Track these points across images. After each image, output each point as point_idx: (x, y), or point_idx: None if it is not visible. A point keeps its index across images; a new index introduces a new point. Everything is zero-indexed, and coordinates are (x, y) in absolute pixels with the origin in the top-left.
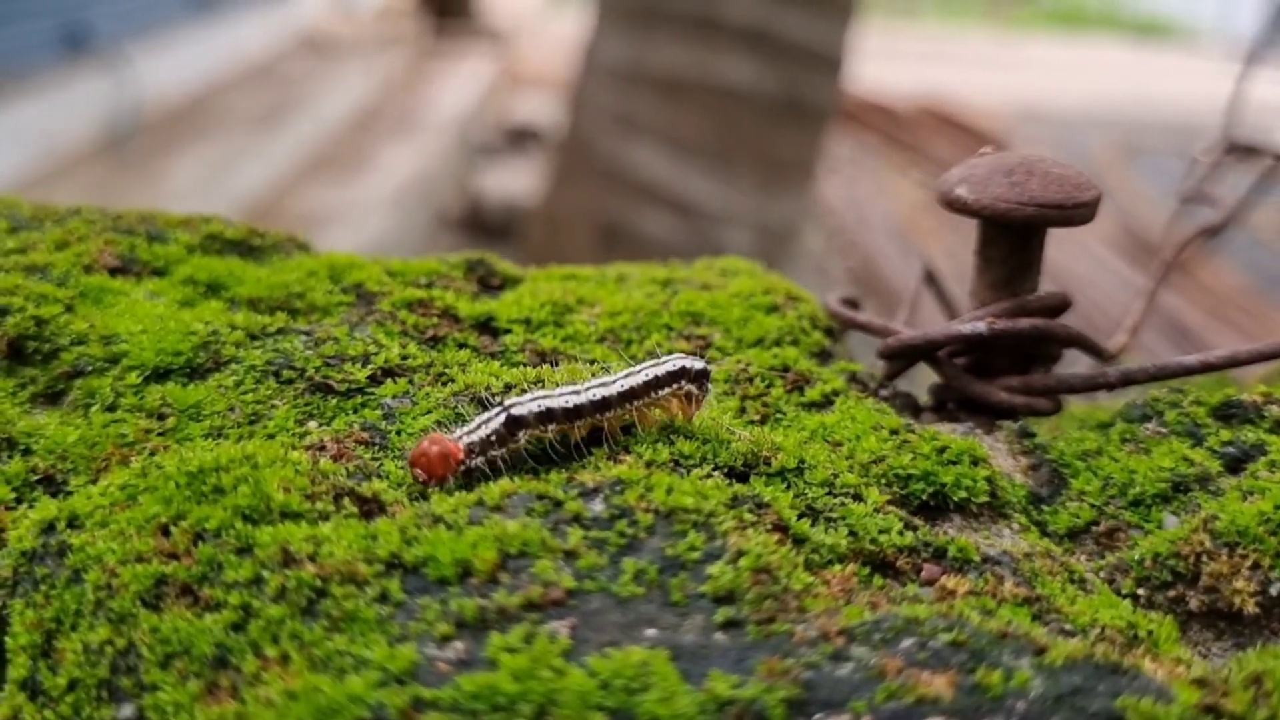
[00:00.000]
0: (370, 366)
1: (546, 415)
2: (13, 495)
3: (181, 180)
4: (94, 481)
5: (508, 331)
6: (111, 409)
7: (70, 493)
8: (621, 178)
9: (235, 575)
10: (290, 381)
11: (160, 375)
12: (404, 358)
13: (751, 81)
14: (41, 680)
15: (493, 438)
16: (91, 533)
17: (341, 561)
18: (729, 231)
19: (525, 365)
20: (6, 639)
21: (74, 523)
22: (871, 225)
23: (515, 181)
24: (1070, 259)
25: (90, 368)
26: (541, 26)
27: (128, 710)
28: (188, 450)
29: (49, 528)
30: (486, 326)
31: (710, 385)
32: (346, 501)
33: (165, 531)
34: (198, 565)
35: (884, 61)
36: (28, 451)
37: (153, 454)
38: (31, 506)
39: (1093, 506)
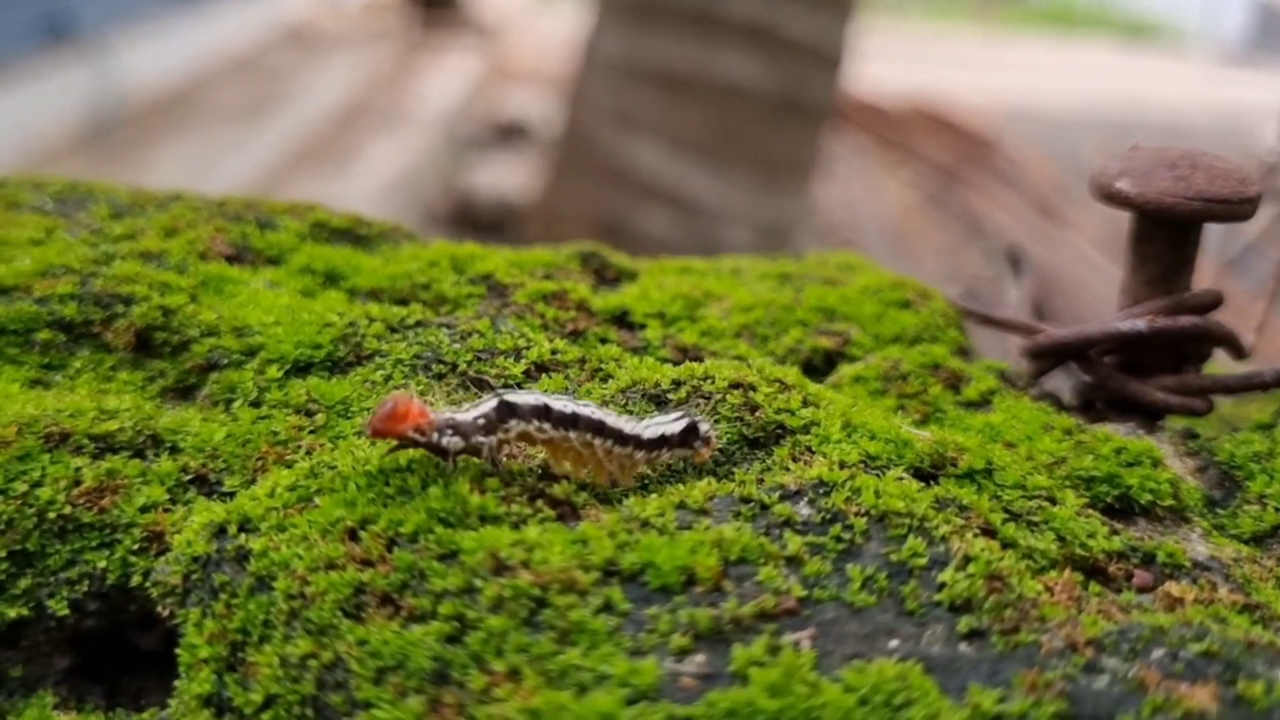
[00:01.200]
0: (524, 361)
1: (542, 412)
2: (167, 497)
3: (165, 173)
4: (252, 482)
5: (643, 326)
6: (256, 404)
7: (228, 494)
8: (620, 174)
9: (443, 584)
10: (442, 376)
11: (301, 369)
12: (554, 352)
13: (751, 78)
14: (231, 696)
15: (480, 421)
16: (270, 537)
17: (559, 569)
18: (728, 229)
19: (670, 361)
20: (179, 651)
21: (246, 526)
22: (862, 225)
23: (507, 177)
24: (1063, 260)
25: (225, 361)
26: (530, 21)
27: None
28: (359, 449)
29: (219, 532)
30: (622, 320)
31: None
32: (540, 504)
33: (353, 536)
34: (397, 573)
35: (872, 61)
36: (175, 450)
37: (309, 452)
38: (188, 508)
39: (1277, 510)
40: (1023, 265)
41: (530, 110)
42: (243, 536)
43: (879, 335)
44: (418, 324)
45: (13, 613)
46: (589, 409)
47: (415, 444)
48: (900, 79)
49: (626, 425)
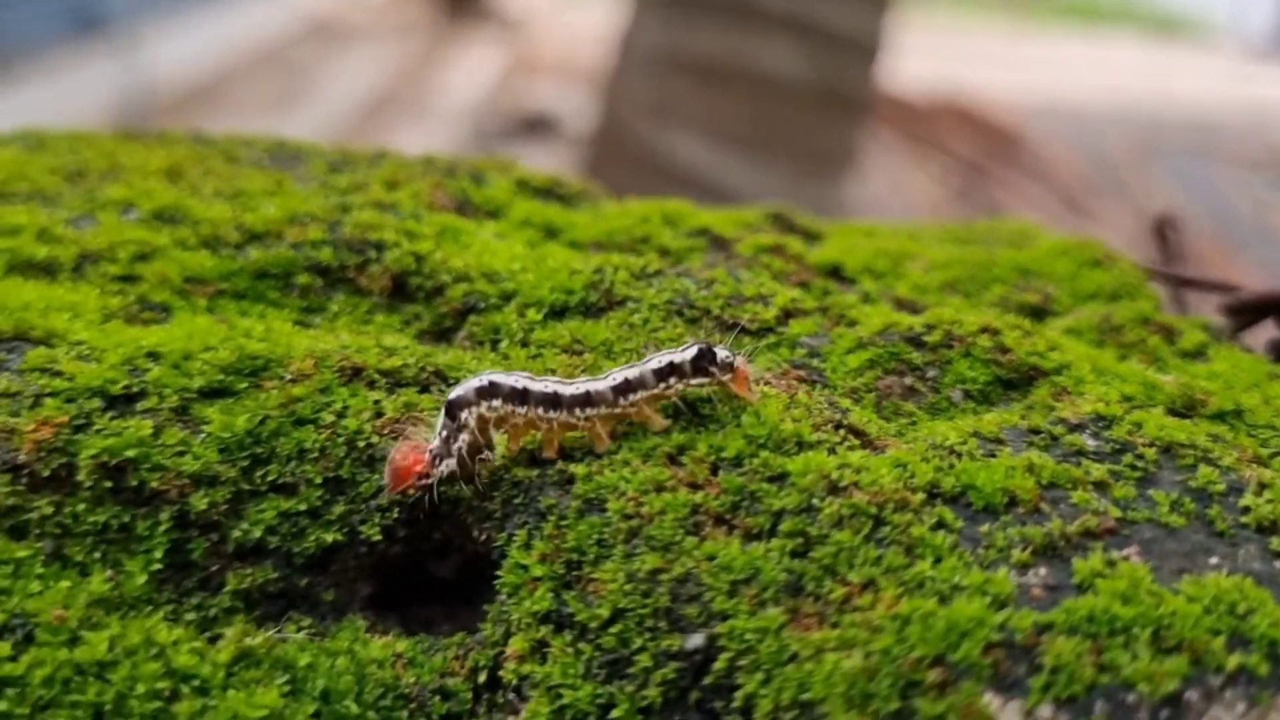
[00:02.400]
0: (773, 307)
1: (489, 391)
2: None
3: None
4: None
5: (853, 281)
6: (524, 344)
7: None
8: (657, 166)
9: (780, 503)
10: (696, 320)
11: (557, 312)
12: (793, 299)
13: (789, 70)
14: (572, 612)
15: (445, 435)
16: (588, 464)
17: (891, 489)
18: None
19: (895, 310)
20: (501, 574)
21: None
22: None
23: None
24: None
25: (483, 304)
26: (554, 14)
27: (697, 639)
28: None
29: (531, 457)
30: (836, 274)
31: (728, 359)
32: (843, 433)
33: (673, 460)
34: (727, 494)
35: (899, 55)
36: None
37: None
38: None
39: None
40: (1177, 229)
41: (556, 103)
42: (559, 463)
43: (1076, 292)
44: (657, 272)
45: (329, 537)
46: (534, 384)
47: (428, 484)
48: (927, 74)
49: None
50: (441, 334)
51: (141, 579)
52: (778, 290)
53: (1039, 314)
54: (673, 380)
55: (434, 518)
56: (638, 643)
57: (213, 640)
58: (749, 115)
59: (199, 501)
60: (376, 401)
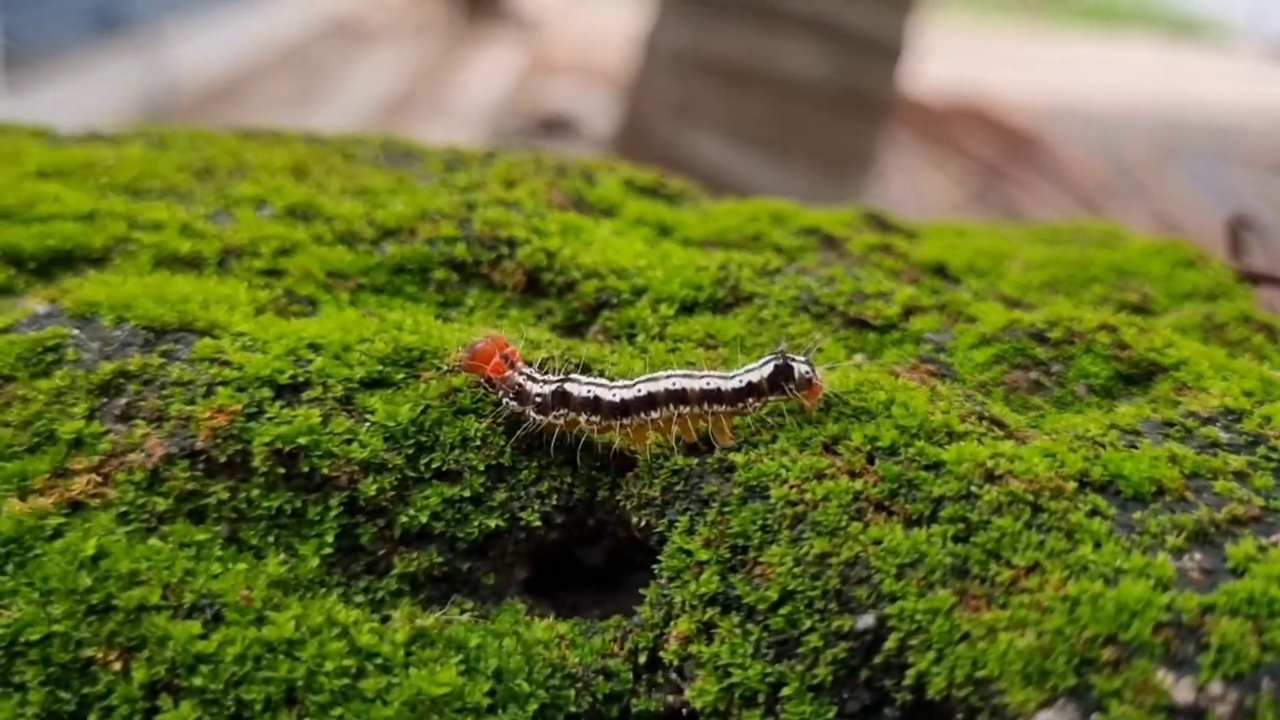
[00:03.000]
0: (894, 304)
1: (594, 404)
2: None
3: None
4: None
5: (958, 280)
6: (659, 338)
7: None
8: (681, 166)
9: (939, 490)
10: (822, 316)
11: (688, 308)
12: (911, 296)
13: (812, 71)
14: (740, 595)
15: (538, 399)
16: (746, 453)
17: (1045, 478)
18: None
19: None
20: (662, 559)
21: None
22: None
23: None
24: None
25: (615, 300)
26: (571, 15)
27: (867, 620)
28: None
29: (692, 446)
30: (941, 272)
31: (806, 373)
32: (986, 424)
33: (829, 449)
34: (885, 482)
35: (920, 57)
36: None
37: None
38: None
39: None
40: (1256, 229)
41: (573, 103)
42: (716, 451)
43: (1171, 292)
44: (777, 270)
45: (492, 522)
46: (636, 390)
47: (489, 389)
48: (944, 75)
49: (700, 383)
50: (574, 328)
51: (314, 562)
52: (896, 287)
53: (1139, 313)
54: (750, 400)
55: (590, 505)
56: (807, 623)
57: (383, 621)
58: (772, 116)
59: (368, 488)
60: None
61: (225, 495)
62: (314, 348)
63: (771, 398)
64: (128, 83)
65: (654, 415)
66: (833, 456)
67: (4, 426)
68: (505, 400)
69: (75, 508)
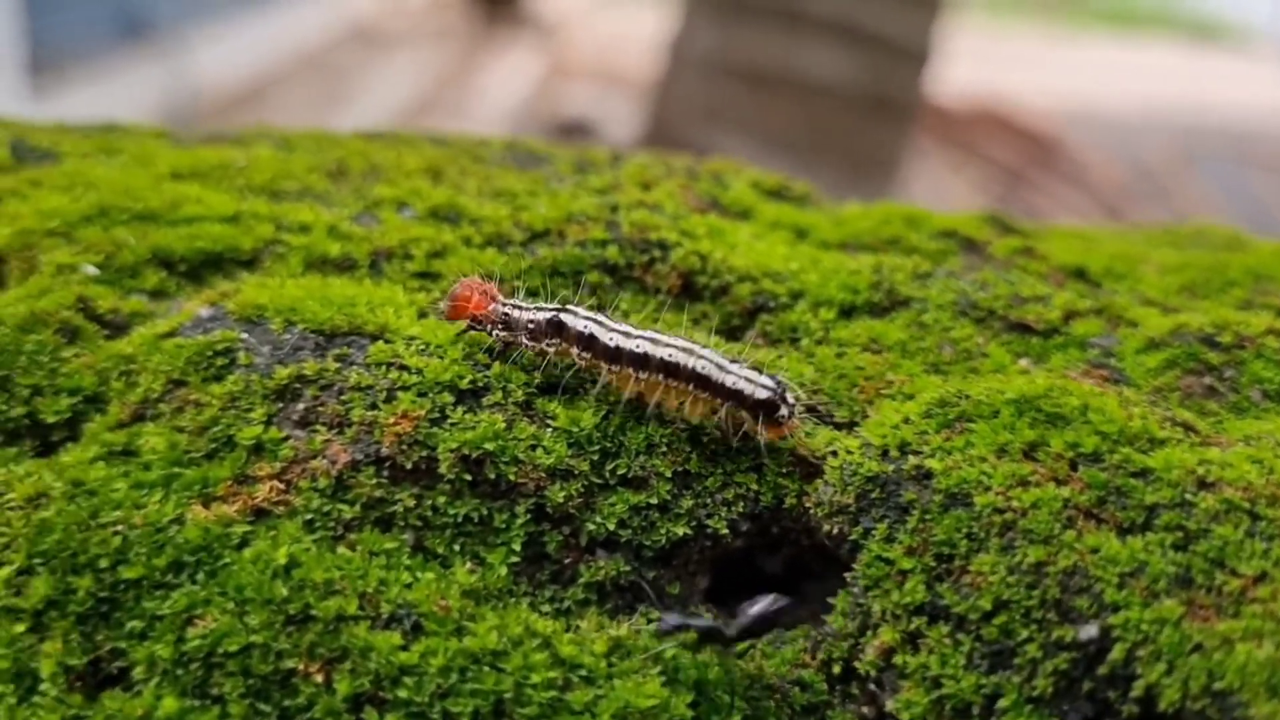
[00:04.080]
0: (1054, 308)
1: (589, 340)
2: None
3: None
4: (861, 416)
5: (1099, 283)
6: (822, 342)
7: (841, 424)
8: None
9: (1151, 497)
10: (982, 320)
11: (845, 311)
12: (1068, 300)
13: (839, 75)
14: (948, 604)
15: (530, 326)
16: (940, 459)
17: (1260, 485)
18: None
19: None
20: (857, 567)
21: (905, 449)
22: None
23: None
24: None
25: (772, 303)
26: (590, 19)
27: (1090, 630)
28: (993, 381)
29: (883, 454)
30: (1081, 275)
31: (785, 416)
32: (1180, 429)
33: (1029, 455)
34: (1092, 489)
35: (945, 61)
36: None
37: (900, 388)
38: (809, 436)
39: None
40: None
41: (592, 107)
42: (910, 458)
43: None
44: (928, 274)
45: (679, 530)
46: (644, 344)
47: (478, 328)
48: (963, 78)
49: (696, 364)
50: (730, 332)
51: (503, 571)
52: (1052, 291)
53: None
54: (729, 404)
55: (777, 513)
56: (1024, 633)
57: (569, 630)
58: (799, 120)
59: (555, 494)
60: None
61: (411, 502)
62: (489, 351)
63: (743, 411)
64: (151, 88)
65: (642, 375)
66: (1034, 463)
67: (179, 432)
68: (495, 333)
69: (259, 515)
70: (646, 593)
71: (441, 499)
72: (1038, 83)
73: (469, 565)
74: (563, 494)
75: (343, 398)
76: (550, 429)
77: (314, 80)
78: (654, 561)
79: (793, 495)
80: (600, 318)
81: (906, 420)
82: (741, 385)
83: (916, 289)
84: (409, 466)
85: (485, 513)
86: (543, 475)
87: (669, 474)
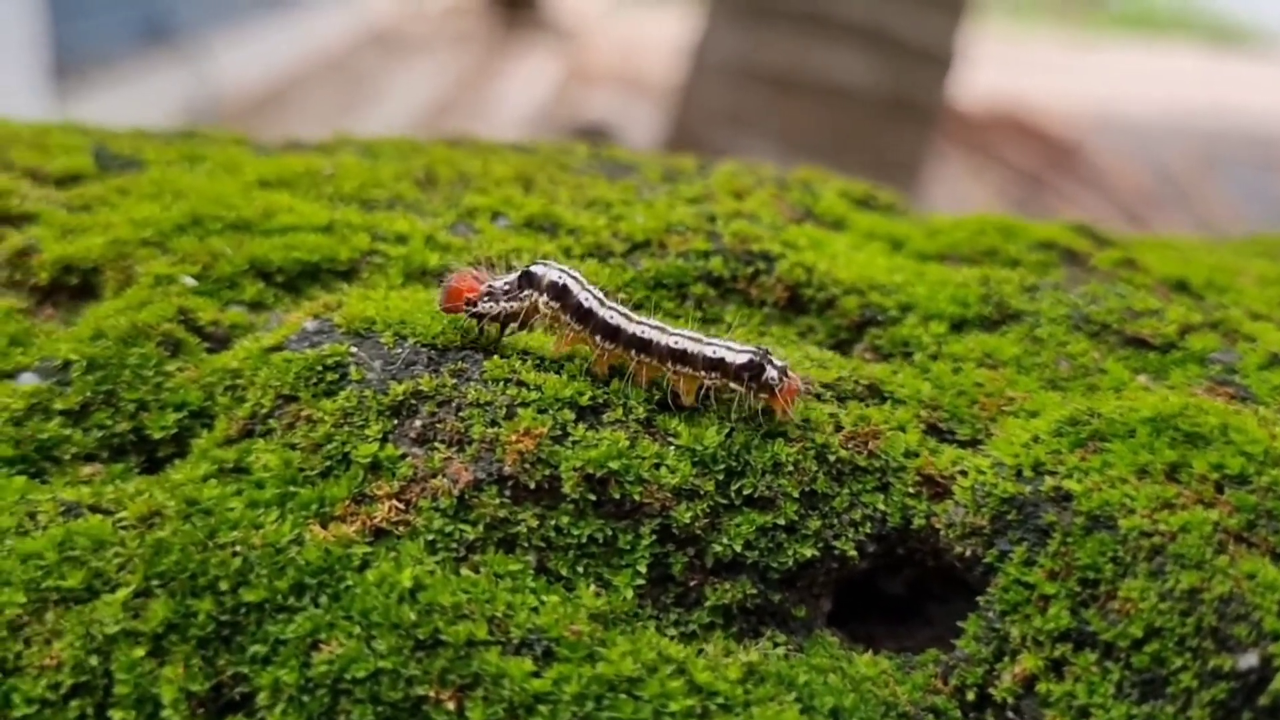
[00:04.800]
0: (1169, 322)
1: (561, 291)
2: (918, 441)
3: None
4: (984, 434)
5: (1201, 295)
6: (936, 357)
7: (965, 442)
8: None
9: None
10: (1096, 334)
11: (956, 325)
12: (1183, 314)
13: (863, 79)
14: (1095, 630)
15: (504, 287)
16: (1079, 479)
17: None
18: None
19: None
20: (993, 590)
21: (1039, 468)
22: None
23: None
24: None
25: (881, 317)
26: (609, 23)
27: (1250, 659)
28: (1124, 399)
29: (1017, 473)
30: (1183, 288)
31: (774, 379)
32: None
33: (1171, 477)
34: (1240, 512)
35: (970, 66)
36: (895, 400)
37: (1021, 405)
38: (935, 454)
39: None
40: None
41: (611, 112)
42: (1046, 479)
43: None
44: (1034, 287)
45: (807, 551)
46: (627, 321)
47: (474, 314)
48: (982, 83)
49: (667, 338)
50: (838, 345)
51: (629, 594)
52: (1163, 305)
53: None
54: (715, 375)
55: (904, 534)
56: (1177, 662)
57: (697, 655)
58: (822, 124)
59: (682, 515)
60: (832, 414)
61: (534, 523)
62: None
63: (733, 384)
64: (174, 92)
65: (610, 347)
66: (1178, 485)
67: (292, 449)
68: (486, 308)
69: (378, 535)
70: (773, 616)
71: (565, 519)
72: (1057, 87)
73: (594, 588)
74: (689, 514)
75: (461, 414)
76: (673, 447)
77: (334, 84)
78: (779, 584)
79: (921, 516)
80: (578, 274)
81: (1036, 439)
82: (723, 354)
83: (1026, 302)
84: (532, 486)
85: (609, 533)
86: (668, 495)
87: (796, 494)
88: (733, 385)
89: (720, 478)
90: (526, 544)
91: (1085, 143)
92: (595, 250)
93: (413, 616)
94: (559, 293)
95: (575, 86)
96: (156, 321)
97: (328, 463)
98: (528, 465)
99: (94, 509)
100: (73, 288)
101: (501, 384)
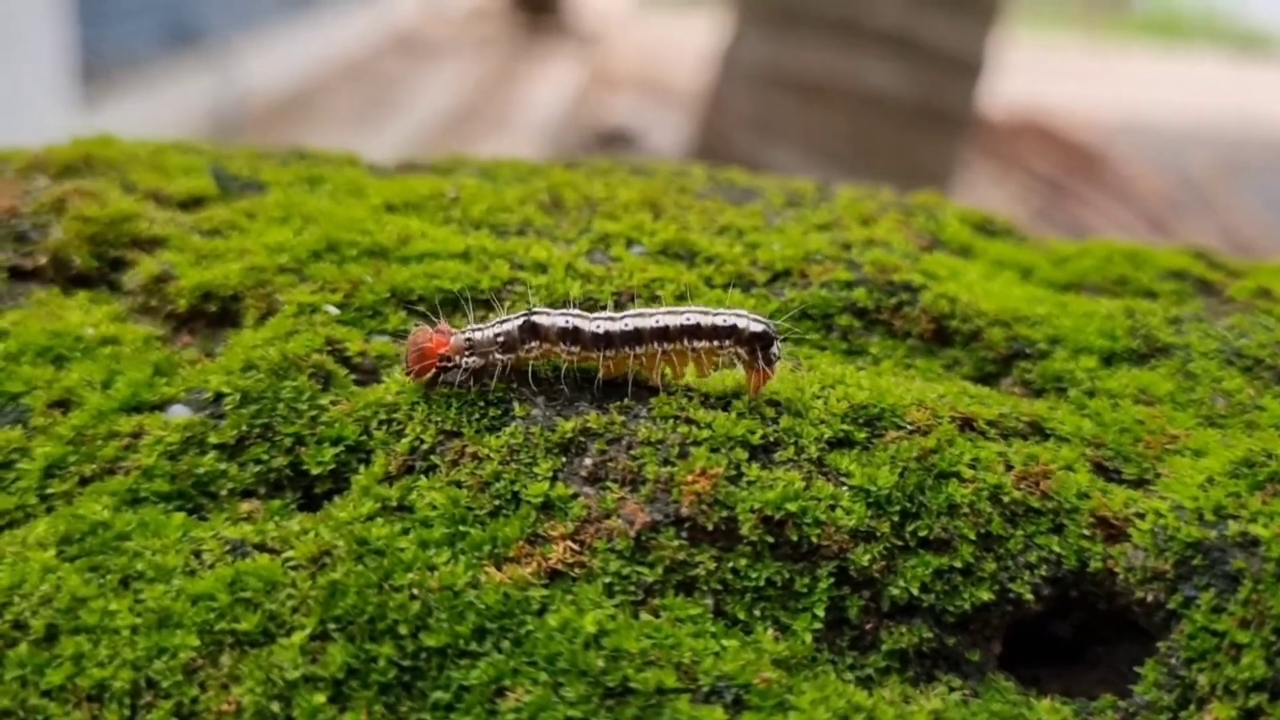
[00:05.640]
0: None
1: (573, 333)
2: (1086, 481)
3: None
4: (1151, 474)
5: None
6: (1092, 394)
7: (1135, 482)
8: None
9: None
10: (1250, 369)
11: (1106, 359)
12: None
13: (892, 86)
14: None
15: (500, 338)
16: (1267, 523)
17: None
18: None
19: None
20: (1176, 637)
21: (1220, 511)
22: None
23: None
24: None
25: (1029, 350)
26: (631, 28)
27: None
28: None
29: (1199, 516)
30: None
31: (776, 353)
32: None
33: None
34: None
35: (1000, 74)
36: (1058, 437)
37: (1184, 443)
38: (1106, 495)
39: None
40: None
41: (633, 117)
42: (1230, 523)
43: None
44: (1177, 319)
45: (983, 595)
46: (631, 320)
47: (447, 370)
48: (1006, 90)
49: (658, 320)
50: (984, 379)
51: (807, 638)
52: None
53: None
54: (728, 343)
55: (1080, 577)
56: None
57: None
58: (851, 132)
59: (860, 557)
60: (1001, 454)
61: (712, 565)
62: (772, 404)
63: (741, 349)
64: (199, 97)
65: (639, 350)
66: None
67: (457, 487)
68: (464, 363)
69: (553, 577)
70: (946, 660)
71: (743, 561)
72: (1081, 94)
73: (772, 632)
74: (866, 556)
75: (633, 452)
76: (847, 488)
77: (358, 88)
78: (954, 627)
79: (1098, 559)
80: (572, 310)
81: (1211, 480)
82: (735, 321)
83: (1173, 336)
84: (709, 528)
85: (787, 576)
86: (845, 537)
87: (973, 536)
88: (739, 351)
89: (895, 519)
90: (705, 587)
91: (1109, 150)
92: (736, 280)
93: (600, 663)
94: (571, 335)
95: (598, 91)
96: (306, 353)
97: (496, 501)
98: (705, 506)
99: (260, 547)
100: (210, 315)
101: (671, 421)
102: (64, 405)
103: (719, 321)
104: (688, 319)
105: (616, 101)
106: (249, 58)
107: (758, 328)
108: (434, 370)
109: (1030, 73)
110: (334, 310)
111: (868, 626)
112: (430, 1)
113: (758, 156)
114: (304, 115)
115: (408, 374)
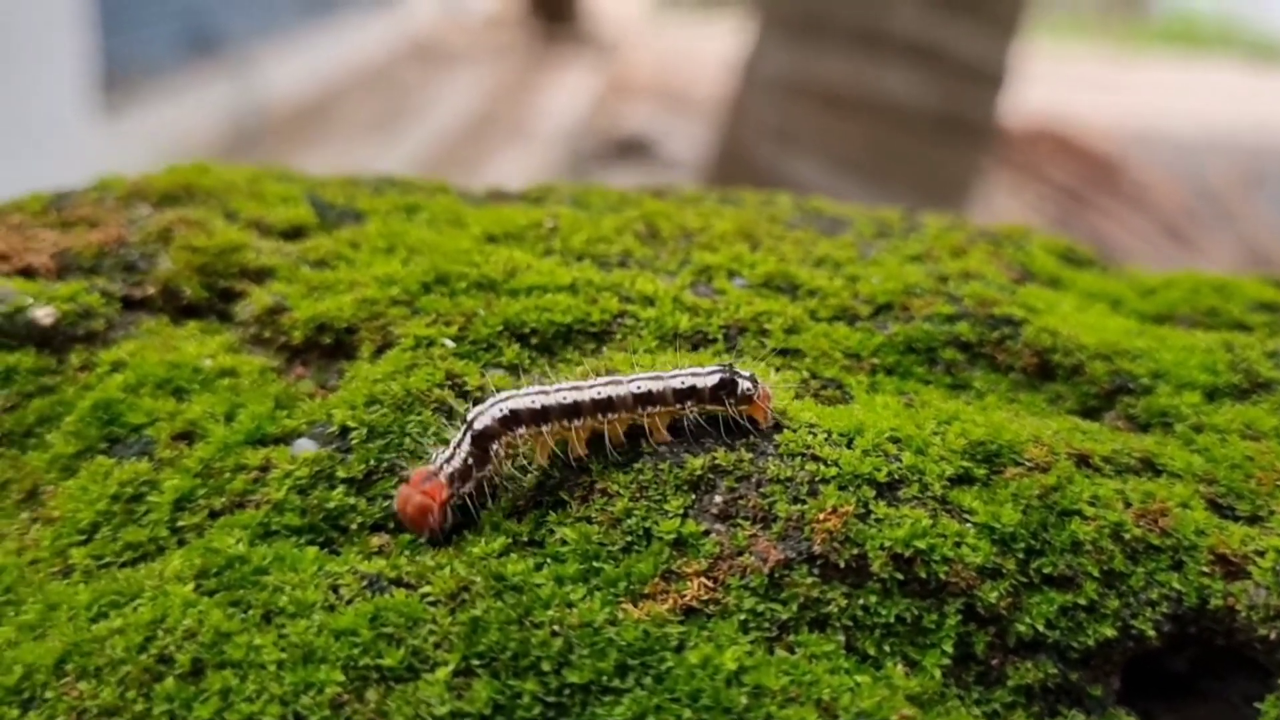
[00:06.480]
0: None
1: (540, 414)
2: (1203, 519)
3: None
4: (1265, 510)
5: None
6: (1199, 430)
7: (1251, 518)
8: (780, 191)
9: None
10: None
11: (1209, 394)
12: None
13: (914, 96)
14: None
15: (469, 460)
16: None
17: None
18: None
19: None
20: None
21: None
22: None
23: None
24: None
25: (1132, 384)
26: (648, 36)
27: None
28: None
29: None
30: None
31: (748, 390)
32: None
33: None
34: None
35: (1022, 84)
36: (1171, 474)
37: None
38: (1224, 533)
39: None
40: None
41: (650, 125)
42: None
43: None
44: (1275, 353)
45: (1106, 631)
46: (586, 389)
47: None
48: (1024, 100)
49: (627, 387)
50: (1087, 413)
51: (936, 674)
52: None
53: None
54: (689, 403)
55: (1200, 613)
56: None
57: None
58: (873, 142)
59: (988, 594)
60: (1118, 490)
61: (843, 602)
62: (894, 440)
63: (709, 406)
64: (220, 104)
65: (610, 417)
66: None
67: (588, 523)
68: (461, 492)
69: (689, 614)
70: (1069, 695)
71: (873, 598)
72: (1097, 103)
73: (901, 667)
74: (994, 593)
75: (762, 490)
76: (972, 525)
77: (377, 95)
78: (1077, 663)
79: (1218, 596)
80: (536, 388)
81: None
82: (694, 381)
83: (1274, 370)
84: (841, 565)
85: (915, 613)
86: (972, 574)
87: (1096, 573)
88: (709, 408)
89: (1020, 556)
90: (836, 624)
91: (1127, 159)
92: (841, 313)
93: (743, 700)
94: (537, 416)
95: (615, 99)
96: (428, 387)
97: (629, 538)
98: (837, 544)
99: (396, 583)
100: (324, 347)
101: (799, 459)
102: (188, 437)
103: (675, 385)
104: (638, 387)
105: (634, 109)
106: (269, 65)
107: (713, 380)
108: (444, 513)
109: (1046, 81)
110: (450, 344)
111: (994, 662)
112: (448, 9)
113: (778, 165)
114: (323, 122)
115: (425, 538)
